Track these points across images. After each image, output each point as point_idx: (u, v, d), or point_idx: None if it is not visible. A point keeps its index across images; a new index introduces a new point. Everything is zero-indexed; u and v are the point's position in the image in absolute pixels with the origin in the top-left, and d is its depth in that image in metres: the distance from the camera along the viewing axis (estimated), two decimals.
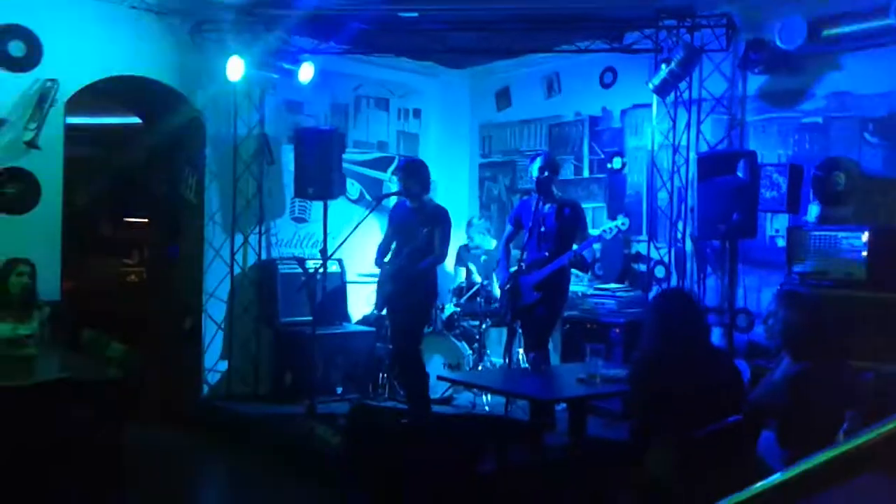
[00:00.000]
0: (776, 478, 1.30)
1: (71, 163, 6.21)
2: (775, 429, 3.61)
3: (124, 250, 9.56)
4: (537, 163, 5.73)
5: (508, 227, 6.06)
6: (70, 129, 6.24)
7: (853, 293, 4.91)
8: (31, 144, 5.82)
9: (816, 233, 5.26)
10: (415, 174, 5.69)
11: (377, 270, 5.99)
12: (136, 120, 7.80)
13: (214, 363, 6.86)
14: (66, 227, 6.13)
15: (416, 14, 6.37)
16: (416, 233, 5.57)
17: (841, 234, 5.10)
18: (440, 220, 5.63)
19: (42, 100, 5.85)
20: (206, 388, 6.82)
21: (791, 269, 5.34)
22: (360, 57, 7.28)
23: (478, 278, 7.18)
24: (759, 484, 1.31)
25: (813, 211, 5.56)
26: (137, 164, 7.95)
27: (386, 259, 5.87)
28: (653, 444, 3.58)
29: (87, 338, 4.81)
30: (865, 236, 4.97)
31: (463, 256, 7.54)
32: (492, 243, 7.41)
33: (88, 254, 8.65)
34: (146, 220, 9.00)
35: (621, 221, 5.47)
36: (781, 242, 5.81)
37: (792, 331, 3.71)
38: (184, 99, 6.69)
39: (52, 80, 5.90)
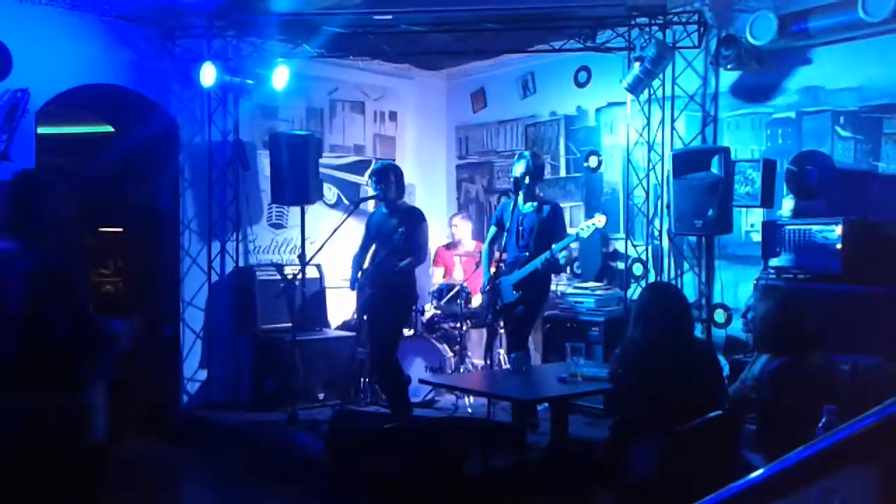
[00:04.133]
0: (759, 475, 1.30)
1: (44, 173, 6.12)
2: (755, 423, 3.64)
3: (99, 260, 9.45)
4: (521, 165, 5.71)
5: (493, 229, 6.07)
6: (42, 140, 6.17)
7: (829, 286, 4.95)
8: (2, 156, 5.73)
9: (791, 227, 5.30)
10: (388, 177, 5.70)
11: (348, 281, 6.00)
12: (109, 129, 7.72)
13: (193, 372, 6.80)
14: None
15: (390, 17, 6.36)
16: (392, 235, 5.57)
17: (815, 228, 5.15)
18: (415, 221, 5.65)
19: (12, 110, 5.76)
20: (185, 398, 6.76)
21: (767, 264, 5.39)
22: (334, 60, 7.26)
23: (459, 275, 7.18)
24: (741, 481, 1.32)
25: (787, 205, 5.61)
26: (111, 173, 7.86)
27: (364, 266, 5.86)
28: (636, 441, 3.59)
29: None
30: (839, 229, 5.02)
31: (442, 256, 7.54)
32: (472, 244, 7.42)
33: None
34: (121, 230, 8.90)
35: (597, 219, 5.49)
36: (757, 237, 5.86)
37: (770, 325, 3.74)
38: (156, 106, 6.63)
39: (23, 91, 5.81)
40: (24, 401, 2.66)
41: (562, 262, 5.69)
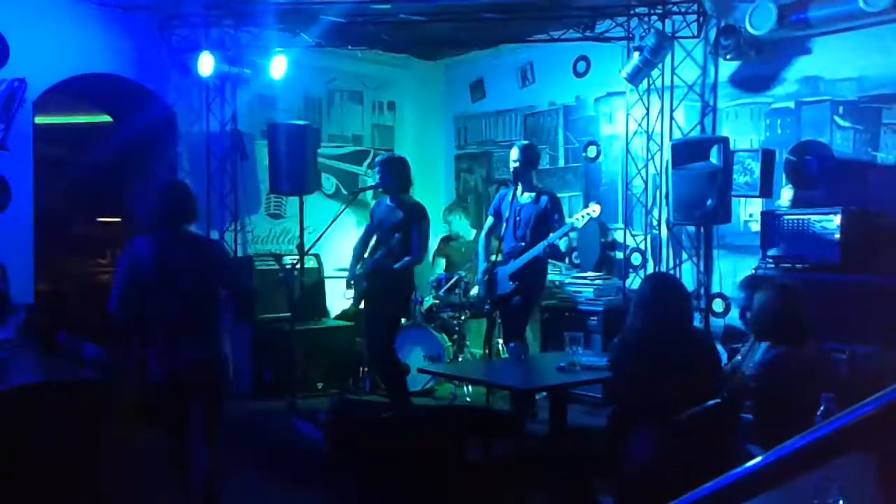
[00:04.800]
0: (757, 463, 1.31)
1: (41, 163, 6.13)
2: (753, 412, 3.66)
3: (97, 250, 9.45)
4: (514, 153, 5.75)
5: (490, 219, 6.06)
6: (39, 129, 6.16)
7: (827, 276, 4.96)
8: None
9: (789, 217, 5.31)
10: (393, 170, 5.66)
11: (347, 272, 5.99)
12: (107, 118, 7.71)
13: None
14: (38, 228, 6.05)
15: (388, 6, 6.34)
16: (394, 232, 5.54)
17: (814, 218, 5.16)
18: (418, 220, 5.60)
19: (9, 100, 5.75)
20: None
21: (765, 254, 5.39)
22: (332, 50, 7.24)
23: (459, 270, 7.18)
24: (739, 469, 1.32)
25: (786, 195, 5.62)
26: (109, 162, 7.84)
27: (365, 255, 5.86)
28: (634, 429, 3.60)
29: (62, 340, 4.75)
30: (838, 219, 5.03)
31: (443, 248, 7.54)
32: (471, 234, 7.42)
33: (61, 255, 8.53)
34: (119, 220, 8.90)
35: (592, 209, 5.50)
36: (755, 227, 5.87)
37: (768, 315, 3.75)
38: (154, 96, 6.62)
39: (20, 80, 5.79)
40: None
41: (562, 248, 5.69)
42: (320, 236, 6.07)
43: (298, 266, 6.41)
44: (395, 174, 5.63)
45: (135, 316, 3.78)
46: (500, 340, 6.38)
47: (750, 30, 5.63)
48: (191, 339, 3.79)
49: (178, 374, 3.76)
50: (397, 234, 5.50)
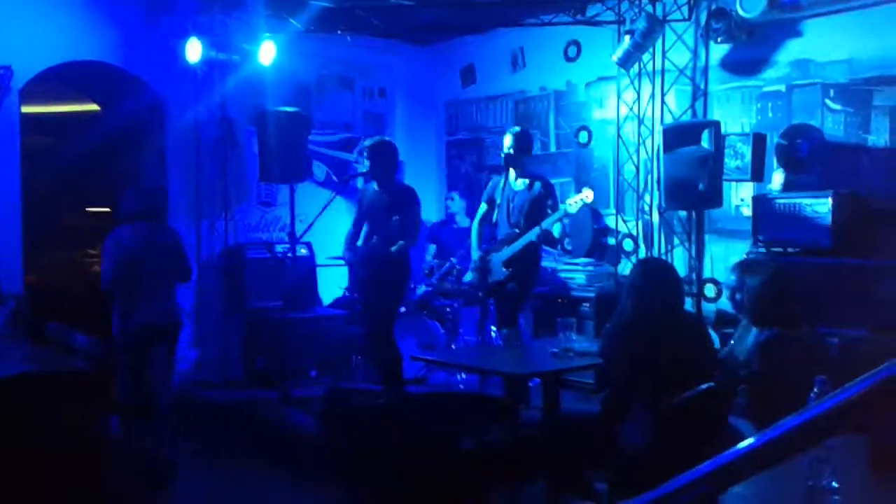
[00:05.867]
0: (750, 444, 1.30)
1: (28, 153, 6.07)
2: (747, 393, 3.66)
3: (87, 240, 9.39)
4: (508, 139, 5.72)
5: (483, 206, 6.03)
6: (26, 119, 6.10)
7: (818, 259, 4.97)
8: None
9: (781, 200, 5.30)
10: (382, 155, 5.63)
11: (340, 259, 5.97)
12: (95, 107, 7.64)
13: (184, 352, 6.77)
14: (26, 218, 6.00)
15: None
16: (386, 216, 5.51)
17: (805, 201, 5.16)
18: (409, 203, 5.58)
19: None
20: (176, 377, 6.73)
21: (757, 238, 5.39)
22: (322, 36, 7.18)
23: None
24: (732, 450, 1.31)
25: (777, 179, 5.61)
26: (97, 152, 7.78)
27: (358, 243, 5.82)
28: (627, 415, 3.60)
29: (51, 330, 4.73)
30: (829, 202, 5.03)
31: (435, 233, 7.51)
32: (466, 222, 7.40)
33: (50, 245, 8.47)
34: (108, 210, 8.84)
35: (585, 194, 5.48)
36: (747, 211, 5.86)
37: (759, 298, 3.76)
38: (142, 83, 6.56)
39: (5, 68, 5.74)
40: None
41: (556, 234, 5.68)
42: (311, 224, 6.05)
43: (290, 254, 6.39)
44: (383, 158, 5.60)
45: (121, 285, 5.07)
46: (493, 327, 6.37)
47: (741, 13, 5.62)
48: (160, 296, 5.19)
49: (152, 318, 5.15)
50: (392, 216, 5.48)
